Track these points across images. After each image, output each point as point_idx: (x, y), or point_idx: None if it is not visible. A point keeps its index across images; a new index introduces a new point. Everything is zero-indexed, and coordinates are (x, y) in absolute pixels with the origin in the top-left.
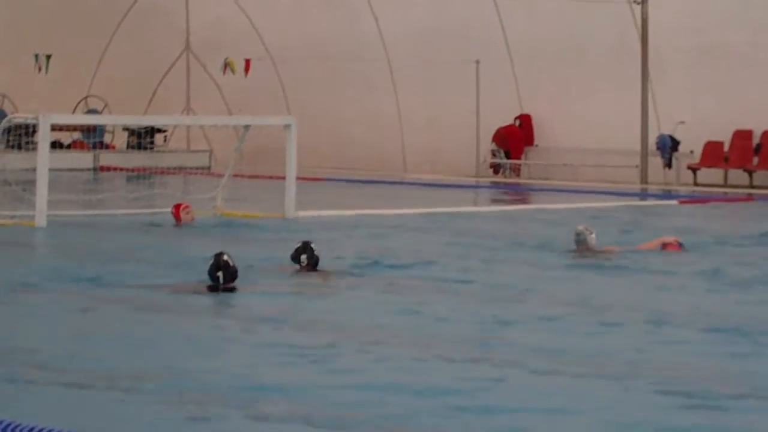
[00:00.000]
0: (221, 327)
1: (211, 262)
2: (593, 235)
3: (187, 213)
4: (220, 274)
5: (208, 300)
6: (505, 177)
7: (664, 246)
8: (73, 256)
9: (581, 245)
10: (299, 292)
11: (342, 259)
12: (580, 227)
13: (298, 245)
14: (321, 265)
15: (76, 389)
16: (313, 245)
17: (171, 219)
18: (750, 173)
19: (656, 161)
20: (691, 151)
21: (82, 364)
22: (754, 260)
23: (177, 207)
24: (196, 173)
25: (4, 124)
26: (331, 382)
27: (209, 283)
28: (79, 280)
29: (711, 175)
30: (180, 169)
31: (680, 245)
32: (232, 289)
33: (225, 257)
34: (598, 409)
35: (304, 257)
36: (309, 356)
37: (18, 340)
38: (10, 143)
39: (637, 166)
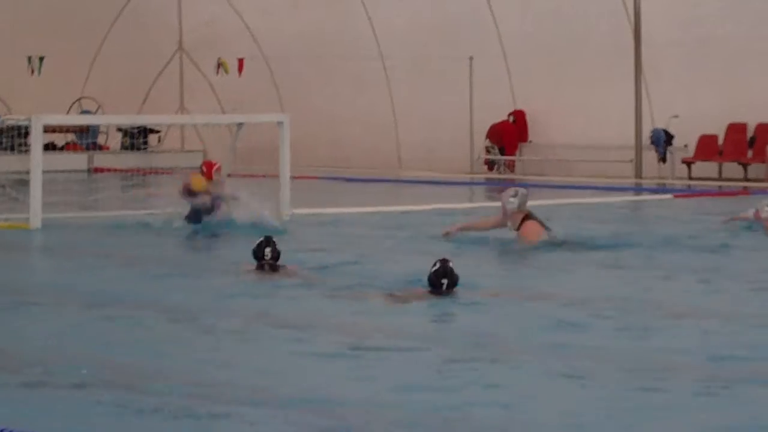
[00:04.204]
0: None
1: (435, 267)
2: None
3: (218, 172)
4: (445, 281)
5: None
6: (500, 173)
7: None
8: (75, 259)
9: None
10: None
11: (355, 257)
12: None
13: (261, 240)
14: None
15: None
16: (275, 239)
17: (165, 221)
18: (745, 166)
19: (651, 155)
20: (686, 145)
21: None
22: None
23: (209, 166)
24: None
25: None
26: None
27: (428, 288)
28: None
29: (706, 168)
30: (174, 170)
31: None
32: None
33: (450, 264)
34: None
35: (268, 251)
36: None
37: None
38: (3, 145)
39: (631, 161)
